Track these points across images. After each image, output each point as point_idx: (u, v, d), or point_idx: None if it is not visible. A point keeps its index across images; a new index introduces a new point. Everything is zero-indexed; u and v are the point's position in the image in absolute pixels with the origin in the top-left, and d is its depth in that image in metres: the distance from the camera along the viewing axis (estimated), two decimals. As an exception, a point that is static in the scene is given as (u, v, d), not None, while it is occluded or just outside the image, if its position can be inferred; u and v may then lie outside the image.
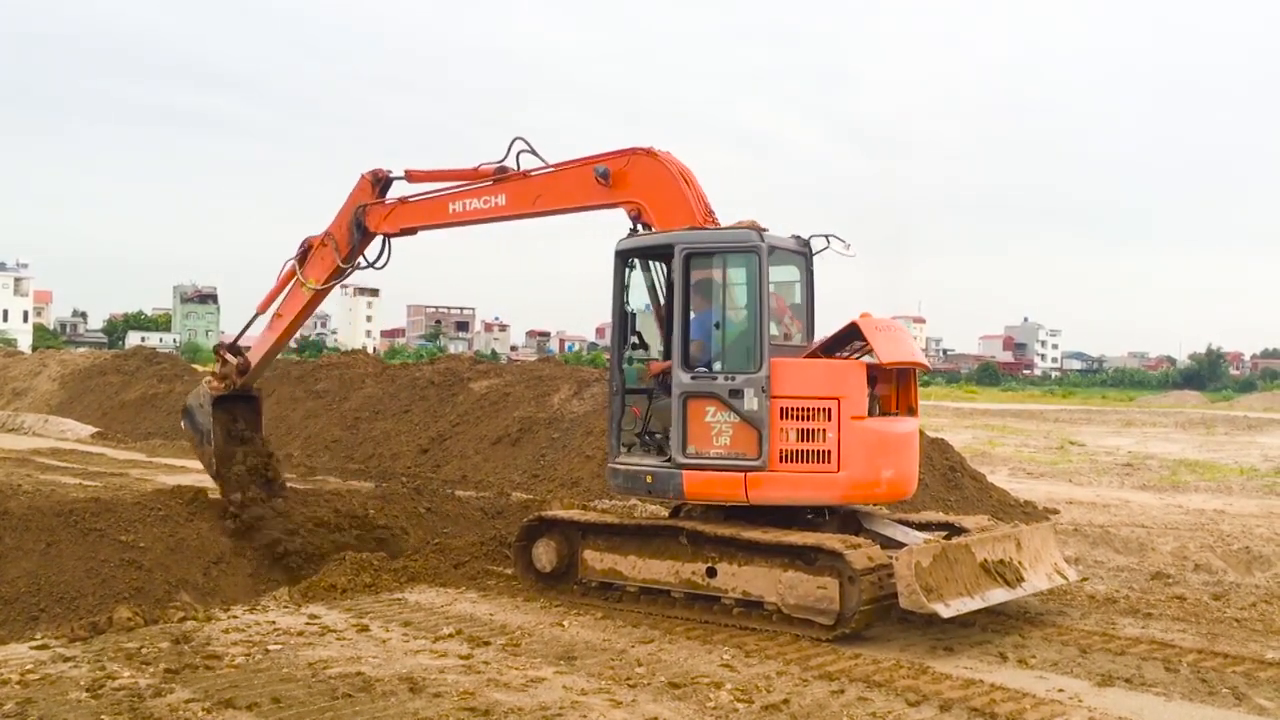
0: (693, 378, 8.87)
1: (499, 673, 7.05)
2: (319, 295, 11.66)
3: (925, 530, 9.52)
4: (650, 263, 9.70)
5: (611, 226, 9.83)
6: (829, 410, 8.61)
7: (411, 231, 11.30)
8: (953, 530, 9.57)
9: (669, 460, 8.94)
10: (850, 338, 9.05)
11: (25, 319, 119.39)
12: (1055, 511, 15.60)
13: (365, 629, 8.14)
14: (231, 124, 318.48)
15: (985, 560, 8.63)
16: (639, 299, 9.79)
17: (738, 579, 8.60)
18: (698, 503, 9.07)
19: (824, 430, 8.59)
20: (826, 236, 9.57)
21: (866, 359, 8.93)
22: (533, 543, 9.71)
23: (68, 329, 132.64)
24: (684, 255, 8.98)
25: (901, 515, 10.12)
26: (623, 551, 9.24)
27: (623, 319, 9.50)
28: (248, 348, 11.92)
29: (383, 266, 11.53)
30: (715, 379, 8.82)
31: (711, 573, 8.73)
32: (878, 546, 8.47)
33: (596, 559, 9.39)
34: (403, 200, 11.29)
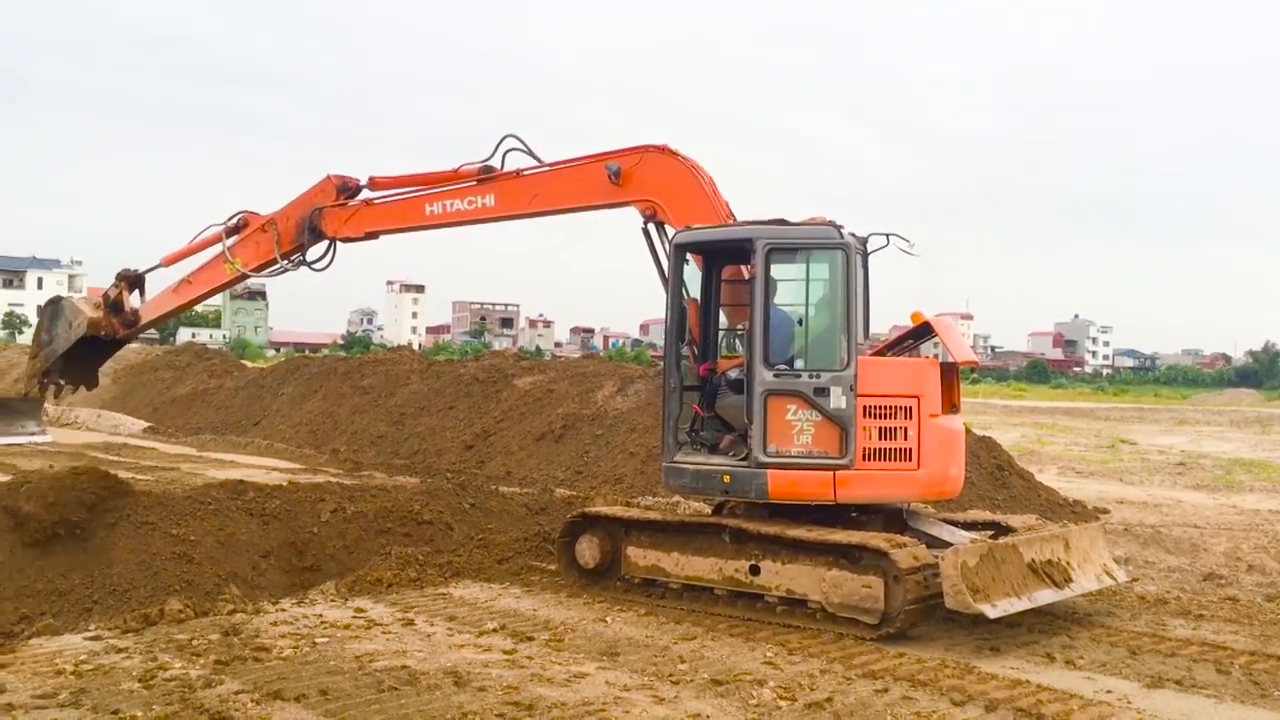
0: (775, 375, 8.76)
1: (542, 668, 7.08)
2: (241, 278, 11.23)
3: (971, 529, 9.45)
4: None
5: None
6: (909, 408, 8.68)
7: (373, 236, 10.87)
8: (999, 530, 9.49)
9: (745, 458, 8.81)
10: (916, 336, 9.17)
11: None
12: (1105, 511, 15.40)
13: (411, 623, 8.21)
14: (282, 125, 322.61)
15: (1033, 560, 8.54)
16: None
17: (781, 577, 8.57)
18: (782, 502, 8.84)
19: (905, 428, 8.66)
20: (887, 235, 9.41)
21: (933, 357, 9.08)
22: (576, 539, 9.73)
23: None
24: (766, 250, 8.80)
25: (947, 514, 10.04)
26: (666, 548, 9.24)
27: (680, 315, 9.31)
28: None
29: (323, 269, 11.04)
30: (799, 376, 8.74)
31: (755, 570, 8.70)
32: (923, 546, 8.41)
33: (640, 555, 9.39)
34: (367, 203, 10.84)
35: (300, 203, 10.94)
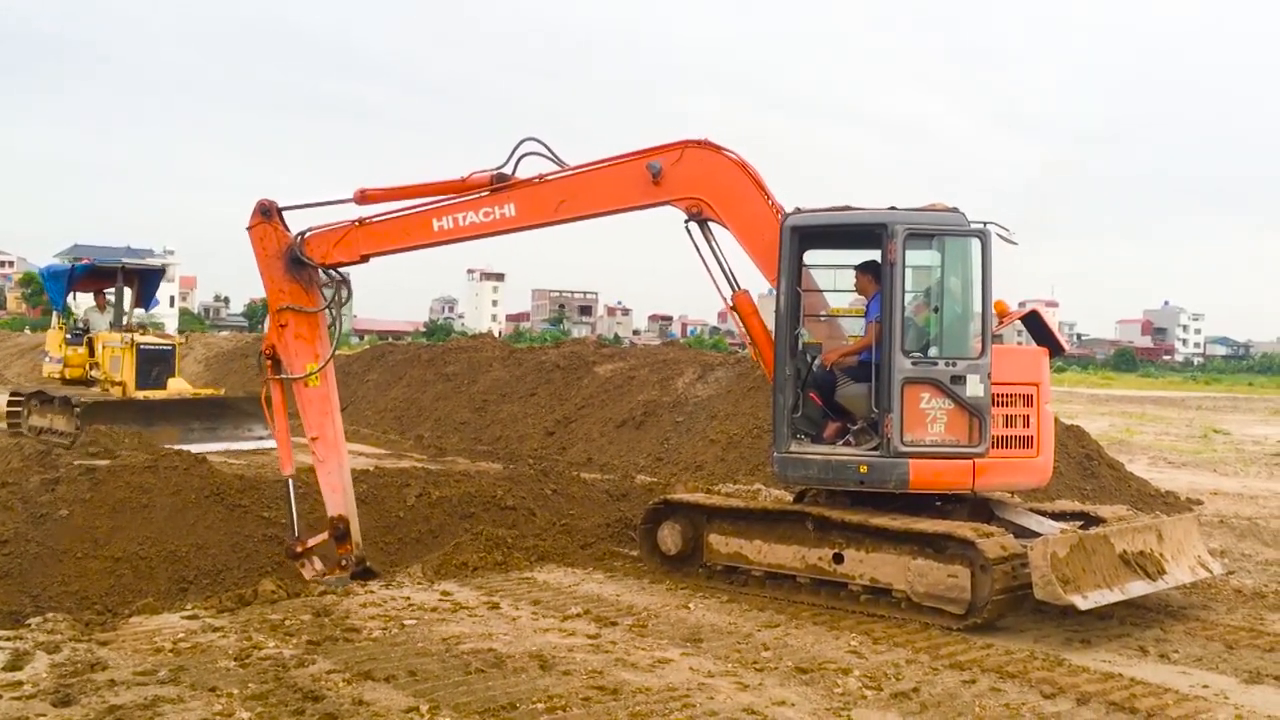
0: (914, 363, 8.61)
1: (626, 653, 7.12)
2: (327, 371, 9.74)
3: (1060, 520, 9.28)
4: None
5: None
6: (1030, 396, 8.82)
7: (365, 259, 9.74)
8: (1089, 520, 9.30)
9: (878, 448, 8.64)
10: (1029, 325, 9.46)
11: (171, 303, 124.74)
12: (1198, 502, 15.01)
13: (496, 606, 8.31)
14: (376, 112, 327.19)
15: (1125, 551, 8.36)
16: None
17: (865, 565, 8.50)
18: (920, 491, 8.69)
19: (1028, 416, 8.79)
20: (984, 224, 9.19)
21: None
22: (658, 525, 9.75)
23: (211, 313, 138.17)
24: (906, 235, 8.58)
25: (1034, 504, 9.88)
26: (748, 536, 9.22)
27: (795, 301, 9.02)
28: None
29: (346, 300, 9.84)
30: (935, 364, 8.64)
31: (838, 559, 8.65)
32: (1011, 535, 8.28)
33: (721, 542, 9.39)
34: (360, 223, 9.62)
35: (266, 263, 9.74)
